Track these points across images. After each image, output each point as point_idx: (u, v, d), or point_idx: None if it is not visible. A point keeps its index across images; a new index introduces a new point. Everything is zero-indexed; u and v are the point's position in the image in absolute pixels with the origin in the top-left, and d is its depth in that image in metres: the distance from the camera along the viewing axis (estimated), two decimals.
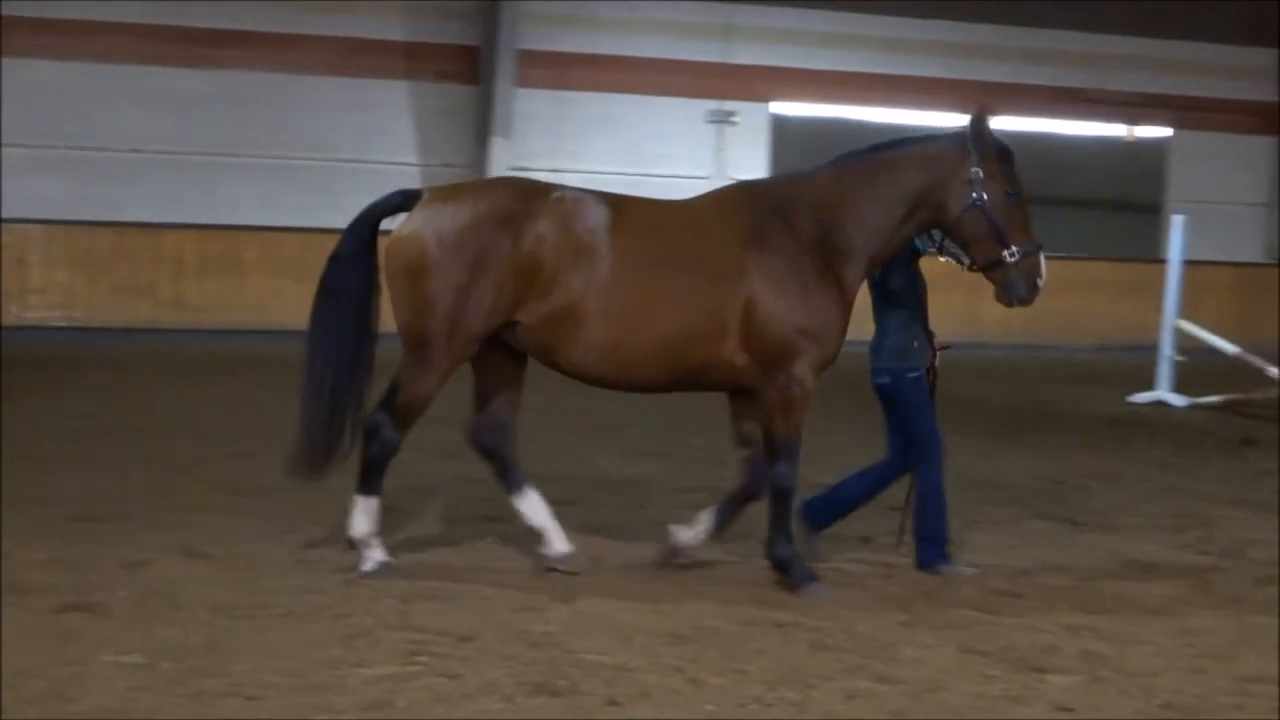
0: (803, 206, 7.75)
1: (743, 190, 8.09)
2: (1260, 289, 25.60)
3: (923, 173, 7.81)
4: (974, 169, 7.75)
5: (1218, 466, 12.42)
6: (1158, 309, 16.74)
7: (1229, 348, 16.16)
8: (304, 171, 22.83)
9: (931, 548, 8.17)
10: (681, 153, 24.21)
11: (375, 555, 7.59)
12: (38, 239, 20.95)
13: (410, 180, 23.18)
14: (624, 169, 22.57)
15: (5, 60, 21.29)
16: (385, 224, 7.78)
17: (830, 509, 8.46)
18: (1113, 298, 24.73)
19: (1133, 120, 26.95)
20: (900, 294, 8.12)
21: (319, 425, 7.59)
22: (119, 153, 22.04)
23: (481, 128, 23.29)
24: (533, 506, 7.94)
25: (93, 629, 6.55)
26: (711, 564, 8.10)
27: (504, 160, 22.99)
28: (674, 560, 8.01)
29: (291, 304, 21.08)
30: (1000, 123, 8.06)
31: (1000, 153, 7.86)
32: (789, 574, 7.70)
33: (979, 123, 7.84)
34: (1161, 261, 17.72)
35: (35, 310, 20.68)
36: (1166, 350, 16.71)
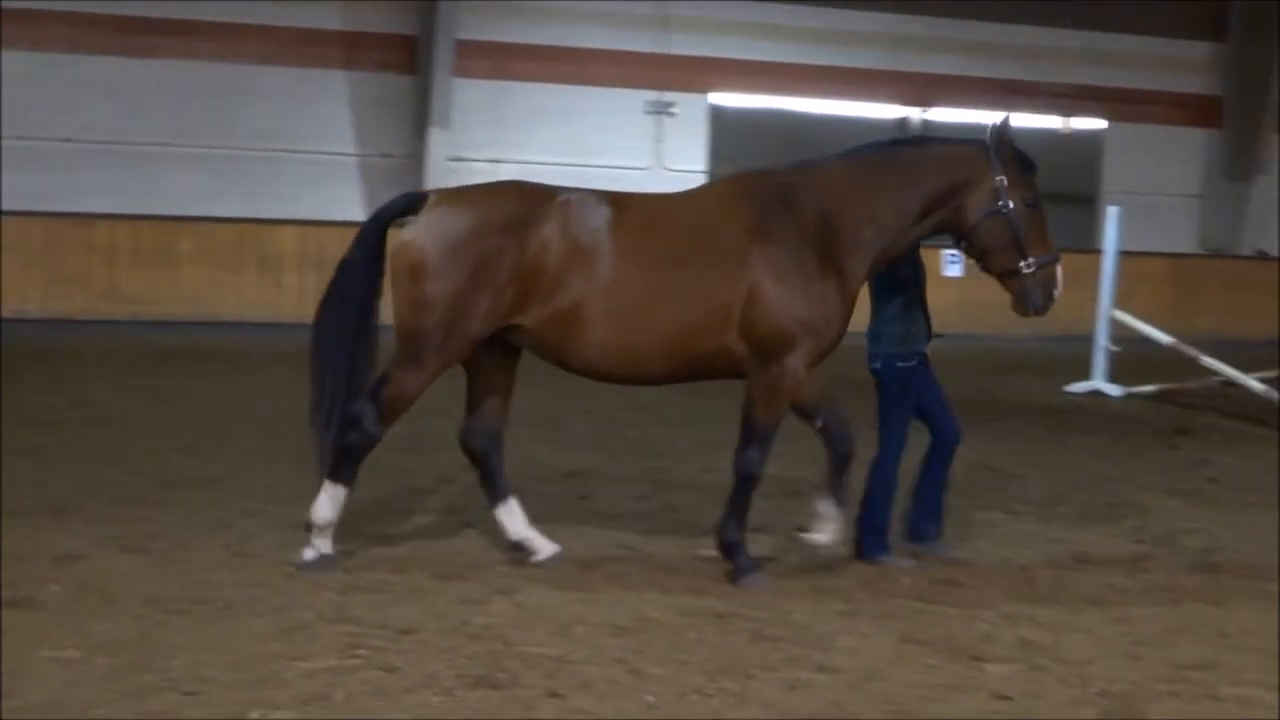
0: (810, 197, 7.69)
1: (749, 178, 7.96)
2: (1194, 280, 25.88)
3: (943, 175, 7.78)
4: (998, 176, 7.76)
5: (1152, 456, 12.53)
6: (1093, 299, 16.85)
7: (1164, 338, 16.28)
8: (243, 161, 22.68)
9: (874, 539, 8.20)
10: (620, 143, 24.12)
11: (321, 546, 7.55)
12: None
13: (348, 171, 23.20)
14: (563, 159, 22.42)
15: None
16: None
17: (928, 515, 8.42)
18: None
19: (1068, 112, 27.16)
20: (901, 281, 8.12)
21: (327, 428, 7.60)
22: (53, 142, 21.78)
23: (420, 118, 23.20)
24: (513, 519, 7.95)
25: (27, 624, 6.48)
26: (650, 556, 8.11)
27: (442, 151, 22.93)
28: (817, 560, 7.93)
29: (228, 295, 21.13)
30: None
31: (1021, 161, 7.86)
32: (733, 559, 7.69)
33: (1002, 130, 7.82)
34: (1097, 252, 17.83)
35: None
36: (1102, 340, 16.82)
